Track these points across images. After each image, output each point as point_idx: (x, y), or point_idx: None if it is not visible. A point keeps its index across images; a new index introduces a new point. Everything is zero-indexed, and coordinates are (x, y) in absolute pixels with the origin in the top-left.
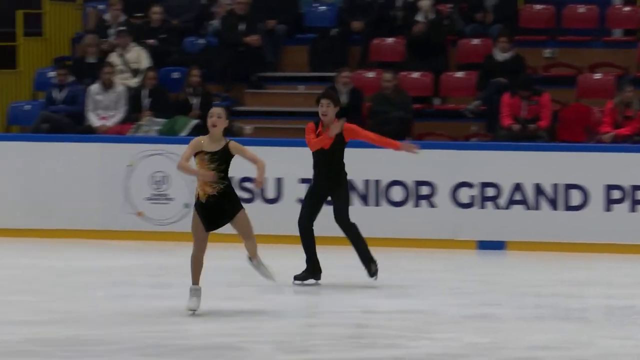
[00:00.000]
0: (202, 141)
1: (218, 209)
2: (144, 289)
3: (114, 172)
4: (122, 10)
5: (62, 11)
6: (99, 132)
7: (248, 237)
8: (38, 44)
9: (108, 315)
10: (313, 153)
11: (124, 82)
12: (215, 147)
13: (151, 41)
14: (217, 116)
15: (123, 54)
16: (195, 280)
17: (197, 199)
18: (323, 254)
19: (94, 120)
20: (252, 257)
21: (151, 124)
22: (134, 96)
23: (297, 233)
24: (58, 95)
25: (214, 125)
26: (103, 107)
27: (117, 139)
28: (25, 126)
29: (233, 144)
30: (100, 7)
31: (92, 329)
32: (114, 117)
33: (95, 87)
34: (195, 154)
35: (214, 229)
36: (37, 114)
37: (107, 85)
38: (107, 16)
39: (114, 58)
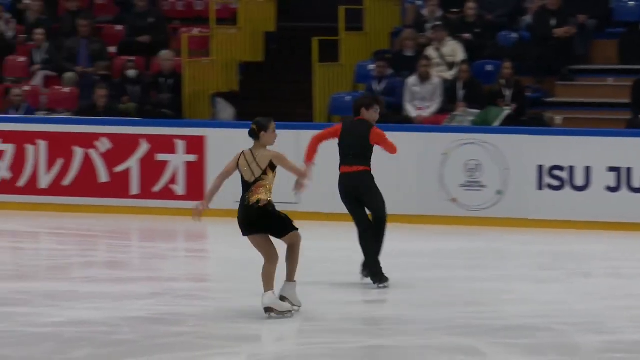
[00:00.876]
0: None
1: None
2: (458, 271)
3: (430, 159)
4: (439, 6)
5: (382, 7)
6: (416, 122)
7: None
8: (359, 38)
9: (423, 296)
10: (372, 151)
11: (439, 74)
12: None
13: (466, 35)
14: None
15: (439, 47)
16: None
17: (273, 207)
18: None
19: (411, 110)
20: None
21: (465, 115)
22: (449, 88)
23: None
24: (377, 86)
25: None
26: (420, 98)
27: (433, 128)
28: (346, 116)
29: None
30: (418, 3)
31: (408, 309)
32: (430, 108)
33: (412, 79)
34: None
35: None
36: None
37: (424, 78)
38: (424, 12)
39: (430, 51)
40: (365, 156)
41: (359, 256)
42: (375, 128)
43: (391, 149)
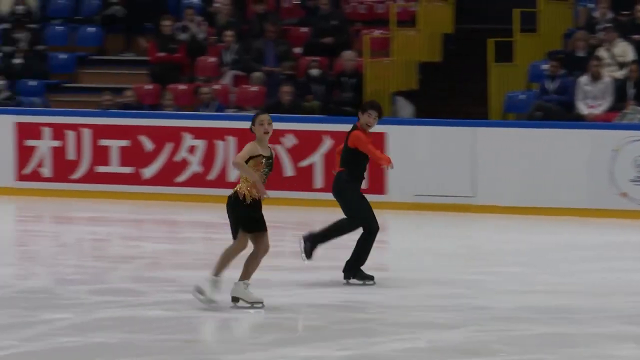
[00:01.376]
0: (257, 145)
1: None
2: (627, 262)
3: (601, 155)
4: (610, 8)
5: (556, 9)
6: (588, 120)
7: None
8: (532, 39)
9: (593, 285)
10: (360, 156)
11: (610, 74)
12: (268, 152)
13: (636, 36)
14: (267, 123)
15: (610, 48)
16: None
17: (242, 198)
18: None
19: (582, 108)
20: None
21: (635, 113)
22: (619, 87)
23: None
24: (550, 85)
25: (267, 132)
26: (591, 96)
27: (604, 125)
28: (520, 114)
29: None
30: (590, 5)
31: (580, 298)
32: (601, 106)
33: (584, 79)
34: (251, 157)
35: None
36: (531, 103)
37: (595, 77)
38: (596, 14)
39: (601, 52)
40: (345, 158)
41: (533, 248)
42: (355, 131)
43: (374, 156)
